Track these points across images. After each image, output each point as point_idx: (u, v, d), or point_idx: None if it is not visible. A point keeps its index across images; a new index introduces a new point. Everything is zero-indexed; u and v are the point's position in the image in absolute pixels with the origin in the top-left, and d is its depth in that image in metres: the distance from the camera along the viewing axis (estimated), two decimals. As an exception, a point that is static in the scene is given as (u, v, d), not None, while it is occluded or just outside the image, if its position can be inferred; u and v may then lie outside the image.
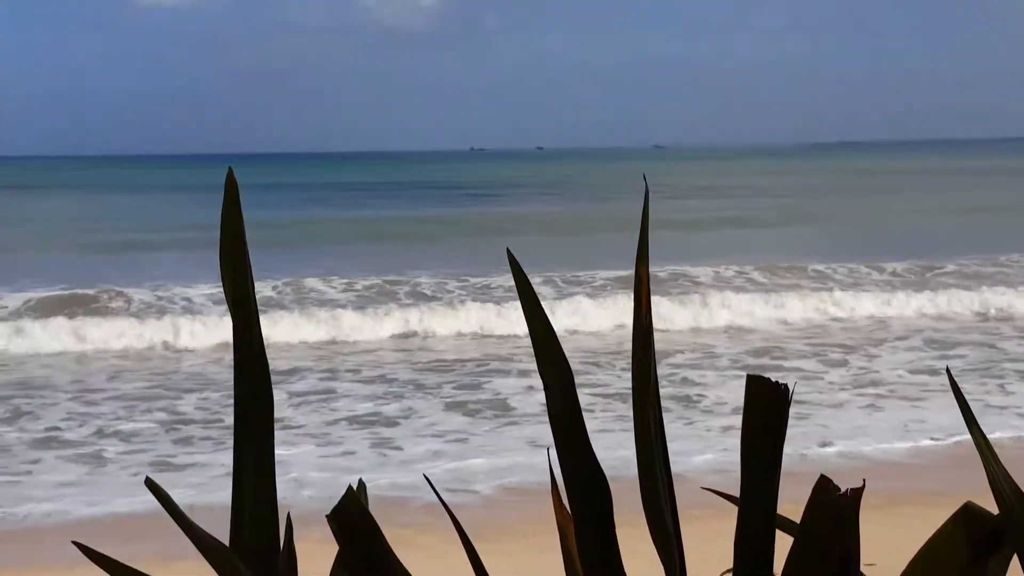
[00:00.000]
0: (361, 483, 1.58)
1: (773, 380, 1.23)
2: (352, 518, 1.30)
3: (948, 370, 1.49)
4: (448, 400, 12.79)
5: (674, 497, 1.34)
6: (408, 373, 14.44)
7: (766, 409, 1.23)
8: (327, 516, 1.28)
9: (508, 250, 1.36)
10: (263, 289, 19.96)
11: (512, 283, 1.41)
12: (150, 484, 1.34)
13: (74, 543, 1.35)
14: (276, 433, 1.31)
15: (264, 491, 1.30)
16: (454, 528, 1.49)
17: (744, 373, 1.56)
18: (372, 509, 1.39)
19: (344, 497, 1.29)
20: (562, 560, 1.46)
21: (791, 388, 1.24)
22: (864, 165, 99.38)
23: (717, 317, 18.07)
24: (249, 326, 1.31)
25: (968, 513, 1.27)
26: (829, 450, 10.68)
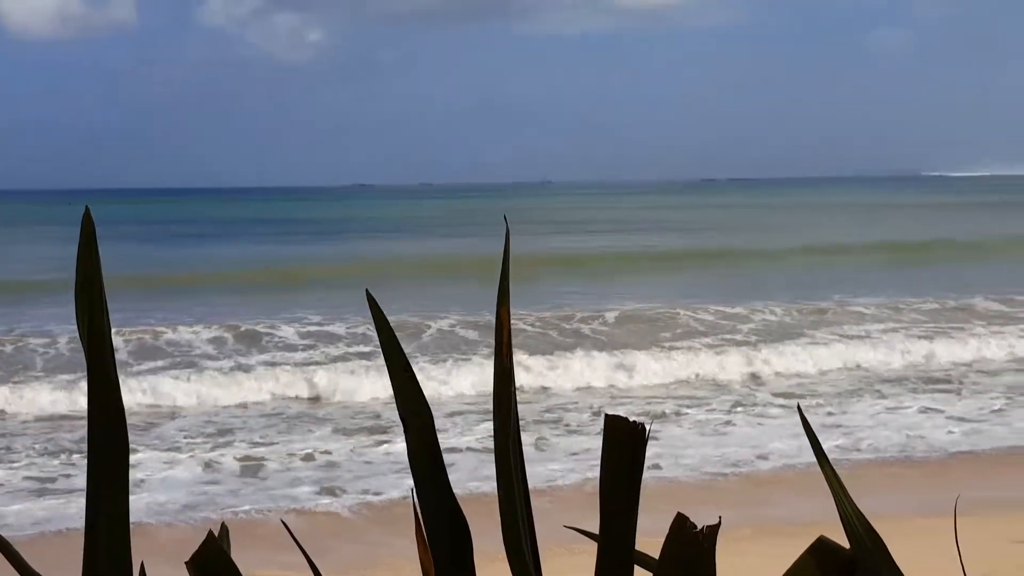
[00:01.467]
0: (224, 527, 1.56)
1: (631, 420, 1.25)
2: (213, 564, 1.27)
3: (799, 406, 1.52)
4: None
5: (534, 534, 1.34)
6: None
7: (624, 447, 1.25)
8: (186, 563, 1.26)
9: (368, 292, 1.36)
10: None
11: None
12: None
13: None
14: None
15: (118, 534, 1.27)
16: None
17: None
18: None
19: (205, 542, 1.26)
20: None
21: (648, 428, 1.26)
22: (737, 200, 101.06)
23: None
24: (104, 366, 1.29)
25: (822, 547, 1.30)
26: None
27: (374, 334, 1.41)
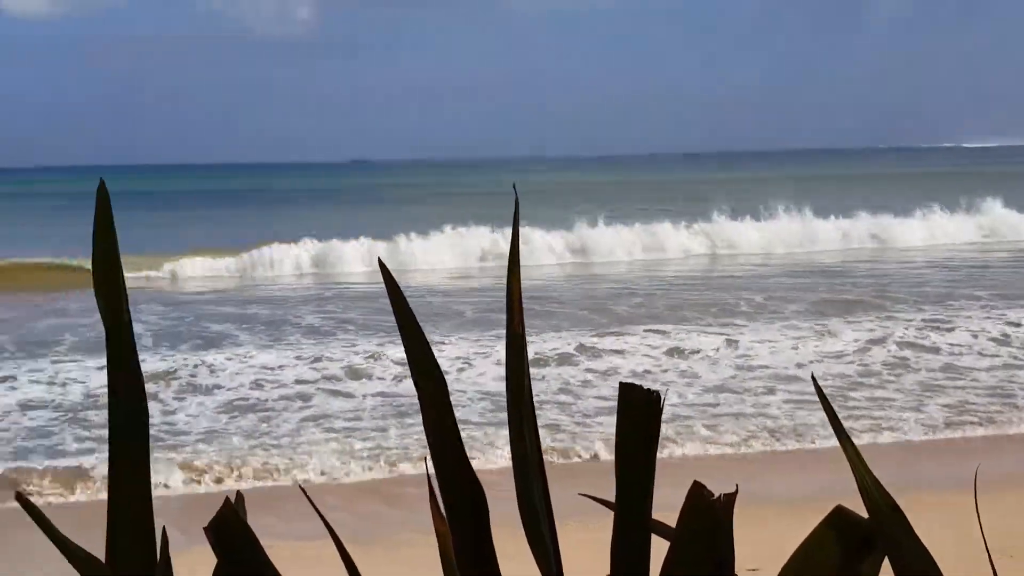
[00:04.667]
0: (239, 495, 1.57)
1: (645, 387, 1.25)
2: (230, 530, 1.29)
3: (813, 376, 1.52)
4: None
5: (550, 502, 1.35)
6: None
7: (639, 416, 1.25)
8: (204, 528, 1.28)
9: (380, 260, 1.36)
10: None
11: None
12: (21, 499, 1.32)
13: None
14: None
15: (140, 505, 1.29)
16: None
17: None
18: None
19: (222, 509, 1.28)
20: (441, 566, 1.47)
21: (663, 396, 1.26)
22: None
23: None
24: (124, 340, 1.30)
25: (840, 517, 1.30)
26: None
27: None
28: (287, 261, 29.76)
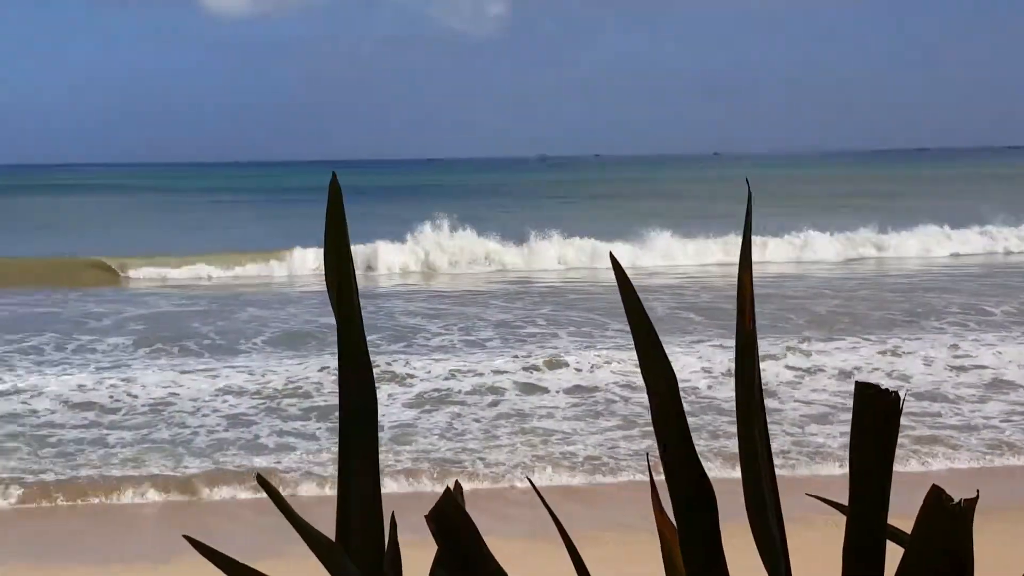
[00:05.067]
0: (457, 484, 1.59)
1: (884, 388, 1.21)
2: (451, 519, 1.31)
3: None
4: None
5: (779, 506, 1.32)
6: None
7: (876, 417, 1.21)
8: (426, 516, 1.30)
9: (611, 255, 1.36)
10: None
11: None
12: (261, 481, 1.36)
13: (185, 537, 1.37)
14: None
15: (369, 488, 1.31)
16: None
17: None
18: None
19: (442, 498, 1.30)
20: (663, 565, 1.45)
21: (902, 397, 1.22)
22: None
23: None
24: (352, 322, 1.33)
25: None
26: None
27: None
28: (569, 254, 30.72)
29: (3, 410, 12.94)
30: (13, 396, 13.54)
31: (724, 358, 14.80)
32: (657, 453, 1.33)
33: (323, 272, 1.35)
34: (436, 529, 1.30)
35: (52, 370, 15.02)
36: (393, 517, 1.38)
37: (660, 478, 1.35)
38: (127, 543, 9.04)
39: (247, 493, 9.97)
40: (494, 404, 13.15)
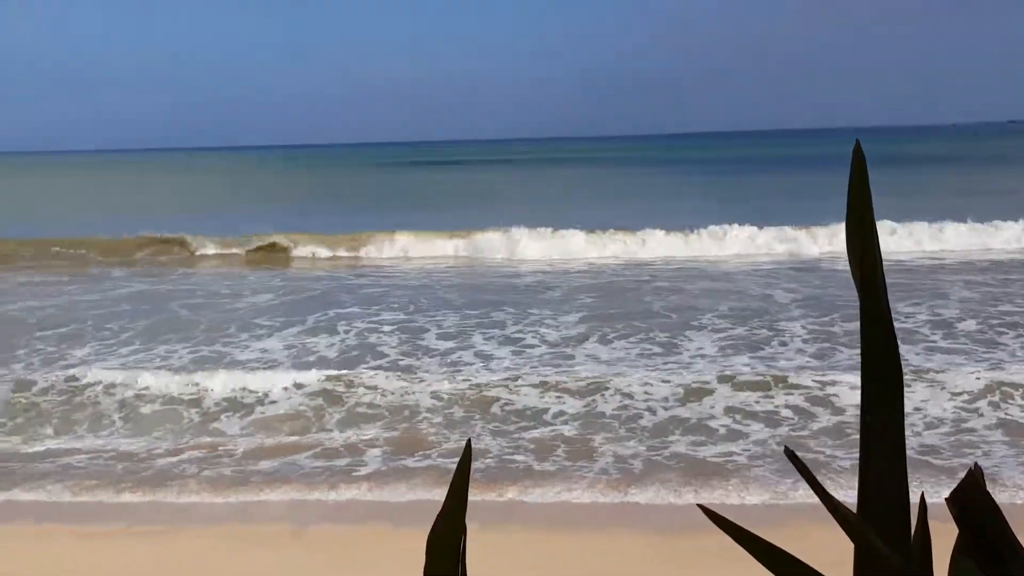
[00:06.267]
0: (976, 466, 1.52)
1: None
2: (973, 501, 1.24)
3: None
4: None
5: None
6: None
7: None
8: (946, 499, 1.24)
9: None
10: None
11: None
12: (789, 454, 1.36)
13: (699, 506, 1.39)
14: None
15: (893, 462, 1.27)
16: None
17: None
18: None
19: (965, 479, 1.24)
20: None
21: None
22: None
23: None
24: (875, 285, 1.30)
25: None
26: None
27: None
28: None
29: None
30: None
31: None
32: None
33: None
34: (958, 512, 1.25)
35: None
36: (923, 497, 1.32)
37: None
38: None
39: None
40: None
